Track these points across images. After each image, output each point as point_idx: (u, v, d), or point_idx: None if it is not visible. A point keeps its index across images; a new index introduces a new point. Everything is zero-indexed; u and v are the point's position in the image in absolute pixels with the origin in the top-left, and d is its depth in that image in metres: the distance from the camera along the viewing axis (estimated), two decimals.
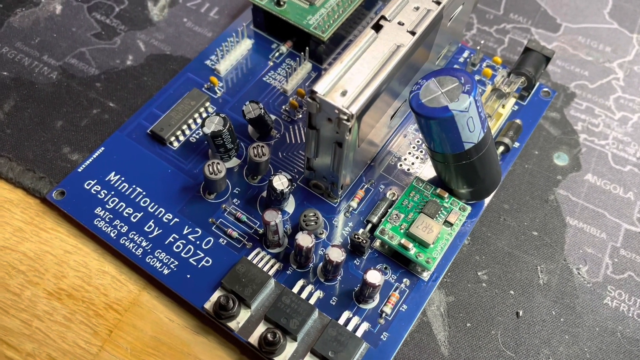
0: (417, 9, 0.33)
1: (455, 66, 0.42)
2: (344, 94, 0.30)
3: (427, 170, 0.38)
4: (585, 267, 0.36)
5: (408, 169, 0.38)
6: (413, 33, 0.32)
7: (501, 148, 0.38)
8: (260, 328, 0.32)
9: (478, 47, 0.42)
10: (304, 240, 0.32)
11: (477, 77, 0.42)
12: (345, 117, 0.29)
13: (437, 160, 0.34)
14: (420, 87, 0.31)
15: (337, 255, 0.32)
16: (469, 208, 0.35)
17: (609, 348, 0.33)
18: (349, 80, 0.30)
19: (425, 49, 0.36)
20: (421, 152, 0.38)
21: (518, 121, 0.39)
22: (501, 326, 0.34)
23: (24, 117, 0.39)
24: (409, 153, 0.38)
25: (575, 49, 0.45)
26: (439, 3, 0.33)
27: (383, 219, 0.34)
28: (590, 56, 0.45)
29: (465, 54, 0.43)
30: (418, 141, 0.39)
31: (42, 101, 0.40)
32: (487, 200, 0.37)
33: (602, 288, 0.35)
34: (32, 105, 0.40)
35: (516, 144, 0.39)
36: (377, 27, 0.32)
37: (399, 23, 0.32)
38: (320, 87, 0.30)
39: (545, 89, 0.42)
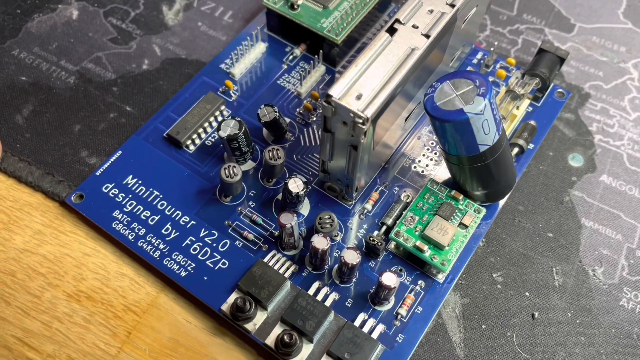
0: (431, 11, 0.33)
1: (469, 68, 0.42)
2: (359, 97, 0.30)
3: (441, 172, 0.38)
4: (601, 268, 0.36)
5: (422, 171, 0.38)
6: (427, 36, 0.32)
7: (515, 149, 0.38)
8: (277, 330, 0.32)
9: (492, 49, 0.42)
10: (320, 242, 0.32)
11: (491, 79, 0.42)
12: (361, 121, 0.30)
13: (451, 163, 0.34)
14: (435, 90, 0.31)
15: (352, 257, 0.32)
16: (483, 210, 0.35)
17: (625, 350, 0.33)
18: (364, 84, 0.30)
19: (439, 51, 0.36)
20: (435, 154, 0.39)
21: (532, 122, 0.39)
22: (517, 328, 0.34)
23: (42, 122, 0.40)
24: (423, 155, 0.39)
25: (590, 49, 0.45)
26: (453, 6, 0.33)
27: (398, 221, 0.34)
28: (604, 56, 0.45)
29: (479, 56, 0.43)
30: (432, 143, 0.39)
31: (60, 106, 0.41)
32: (502, 202, 0.37)
33: (618, 289, 0.35)
34: (50, 110, 0.40)
35: (531, 146, 0.39)
36: (392, 31, 0.32)
37: (413, 26, 0.32)
38: (336, 91, 0.30)
39: (560, 90, 0.42)
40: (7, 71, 0.42)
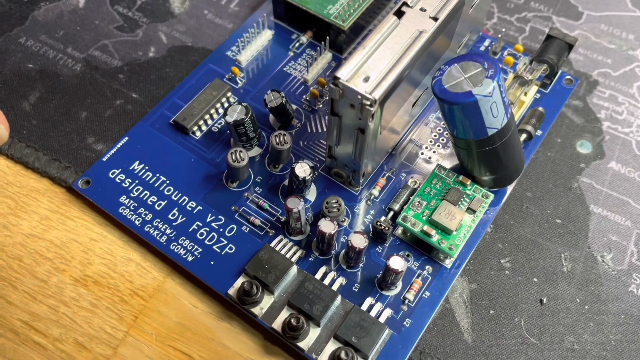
0: None
1: None
2: (366, 79, 0.30)
3: (448, 159, 0.38)
4: (609, 254, 0.36)
5: (429, 158, 0.38)
6: (435, 19, 0.32)
7: (524, 135, 0.38)
8: (284, 314, 0.32)
9: (499, 36, 0.41)
10: (327, 226, 0.32)
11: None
12: (368, 103, 0.29)
13: (459, 147, 0.33)
14: (443, 73, 0.31)
15: (359, 241, 0.32)
16: (491, 195, 0.35)
17: (635, 335, 0.33)
18: (371, 66, 0.30)
19: (446, 37, 0.36)
20: (443, 140, 0.38)
21: (540, 109, 0.39)
22: (525, 313, 0.34)
23: (49, 109, 0.40)
24: (430, 141, 0.38)
25: (598, 37, 0.45)
26: None
27: (405, 207, 0.34)
28: (613, 44, 0.44)
29: (486, 43, 0.43)
30: (439, 129, 0.39)
31: (66, 92, 0.41)
32: (509, 188, 0.37)
33: (627, 275, 0.35)
34: (57, 97, 0.40)
35: (539, 132, 0.39)
36: (399, 14, 0.32)
37: (421, 9, 0.32)
38: (343, 73, 0.30)
39: (568, 77, 0.41)
40: (14, 59, 0.42)
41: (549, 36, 0.40)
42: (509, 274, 0.35)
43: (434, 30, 0.31)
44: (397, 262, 0.31)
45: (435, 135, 0.39)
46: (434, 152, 0.38)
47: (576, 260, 0.35)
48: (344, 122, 0.32)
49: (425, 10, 0.32)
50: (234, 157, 0.35)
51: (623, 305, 0.34)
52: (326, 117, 0.39)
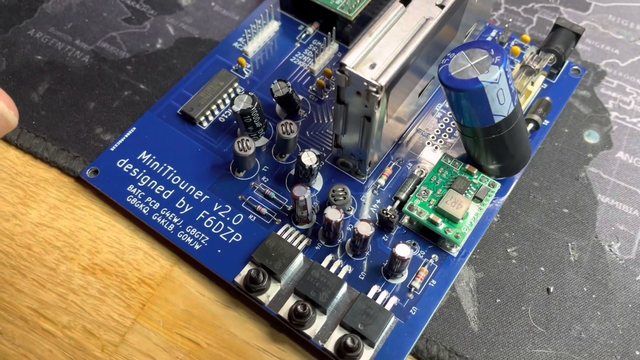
0: None
1: None
2: (372, 66, 0.30)
3: (455, 149, 0.38)
4: (617, 244, 0.35)
5: (436, 147, 0.38)
6: (442, 6, 0.32)
7: (530, 125, 0.38)
8: (290, 301, 0.32)
9: (506, 25, 0.41)
10: (333, 214, 0.32)
11: None
12: (375, 89, 0.29)
13: (466, 135, 0.33)
14: (450, 60, 0.31)
15: (365, 229, 0.32)
16: (498, 184, 0.35)
17: None
18: (377, 54, 0.30)
19: (452, 27, 0.36)
20: (449, 130, 0.38)
21: (547, 98, 0.39)
22: (531, 302, 0.34)
23: (57, 100, 0.40)
24: (437, 131, 0.38)
25: (606, 27, 0.45)
26: None
27: (411, 195, 0.34)
28: (620, 34, 0.44)
29: (493, 33, 0.43)
30: (446, 119, 0.39)
31: (75, 84, 0.41)
32: (516, 178, 0.37)
33: (635, 265, 0.35)
34: (65, 88, 0.41)
35: (546, 122, 0.39)
36: (406, 1, 0.32)
37: None
38: (350, 60, 0.30)
39: (575, 67, 0.41)
40: (23, 50, 0.42)
41: (556, 26, 0.40)
42: (516, 262, 0.35)
43: (441, 18, 0.31)
44: (403, 250, 0.31)
45: (441, 125, 0.39)
46: (441, 141, 0.38)
47: (583, 250, 0.35)
48: (350, 110, 0.32)
49: None
50: (240, 146, 0.35)
51: (630, 294, 0.34)
52: (332, 108, 0.39)
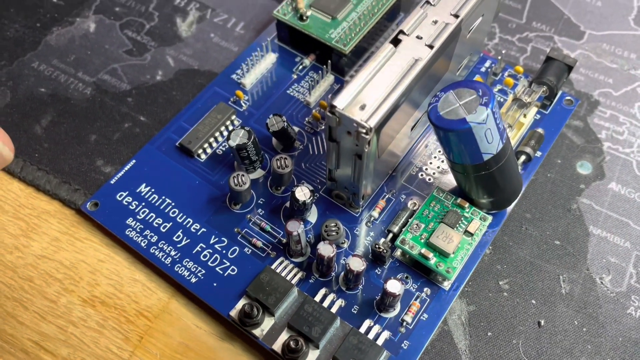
0: (436, 22, 0.33)
1: (477, 76, 0.43)
2: (362, 107, 0.31)
3: (448, 180, 0.38)
4: (608, 276, 0.36)
5: (429, 179, 0.38)
6: (431, 47, 0.32)
7: (523, 157, 0.38)
8: (284, 335, 0.33)
9: (499, 57, 0.42)
10: (325, 250, 0.33)
11: (498, 87, 0.42)
12: (364, 131, 0.30)
13: (457, 171, 0.34)
14: (439, 100, 0.31)
15: (357, 264, 0.33)
16: (489, 218, 0.35)
17: (633, 358, 0.33)
18: (367, 94, 0.31)
19: (445, 59, 0.36)
20: (442, 161, 0.39)
21: (540, 130, 0.39)
22: (522, 335, 0.34)
23: (60, 132, 0.41)
24: (430, 163, 0.39)
25: (600, 56, 0.45)
26: (457, 16, 0.34)
27: (404, 229, 0.35)
28: (614, 63, 0.45)
29: (487, 64, 0.43)
30: (439, 151, 0.39)
31: (77, 116, 0.42)
32: (509, 209, 0.38)
33: (625, 298, 0.35)
34: (67, 120, 0.42)
35: (538, 153, 0.39)
36: (396, 42, 0.33)
37: (417, 37, 0.33)
38: (340, 102, 0.31)
39: (568, 98, 0.42)
40: (27, 83, 0.44)
41: (548, 58, 0.41)
42: (507, 295, 0.35)
43: (430, 58, 0.32)
44: (394, 286, 0.32)
45: (435, 157, 0.39)
46: (434, 173, 0.38)
47: (575, 282, 0.36)
48: (342, 147, 0.33)
49: (421, 38, 0.33)
50: (236, 181, 0.35)
51: (621, 327, 0.34)
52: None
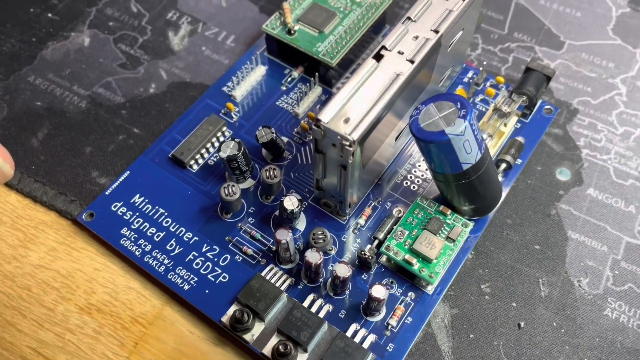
0: (416, 38, 0.35)
1: (460, 87, 0.44)
2: (346, 121, 0.32)
3: (432, 188, 0.40)
4: (586, 279, 0.37)
5: (414, 187, 0.40)
6: (412, 61, 0.34)
7: (503, 165, 0.40)
8: (274, 340, 0.34)
9: (480, 68, 0.43)
10: (313, 257, 0.34)
11: (481, 97, 0.43)
12: (348, 143, 0.31)
13: (439, 180, 0.35)
14: (420, 112, 0.33)
15: (344, 271, 0.34)
16: (471, 224, 0.37)
17: (609, 358, 0.35)
18: (351, 108, 0.32)
19: (428, 71, 0.38)
20: (426, 170, 0.40)
21: (520, 139, 0.41)
22: (503, 337, 0.35)
23: (56, 144, 0.43)
24: (415, 171, 0.40)
25: (579, 65, 0.47)
26: (437, 32, 0.35)
27: (389, 236, 0.36)
28: (593, 72, 0.46)
29: (470, 74, 0.45)
30: (423, 160, 0.41)
31: (72, 129, 0.43)
32: (490, 216, 0.39)
33: (602, 300, 0.36)
34: (63, 133, 0.43)
35: (518, 161, 0.41)
36: (378, 57, 0.34)
37: (399, 52, 0.34)
38: (325, 116, 0.32)
39: (548, 107, 0.43)
40: (23, 97, 0.45)
41: (528, 68, 0.42)
42: (489, 299, 0.37)
43: (411, 73, 0.34)
44: (379, 291, 0.33)
45: (419, 165, 0.41)
46: (418, 181, 0.40)
47: (553, 285, 0.37)
48: (328, 158, 0.34)
49: (402, 53, 0.34)
50: (226, 191, 0.37)
51: (598, 328, 0.36)
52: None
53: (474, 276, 0.37)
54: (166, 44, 0.48)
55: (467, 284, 0.37)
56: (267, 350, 0.34)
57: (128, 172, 0.41)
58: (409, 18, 0.36)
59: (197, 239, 0.38)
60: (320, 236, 0.36)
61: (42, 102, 0.45)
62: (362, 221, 0.38)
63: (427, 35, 0.35)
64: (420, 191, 0.39)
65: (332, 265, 0.37)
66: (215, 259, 0.37)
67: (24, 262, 0.38)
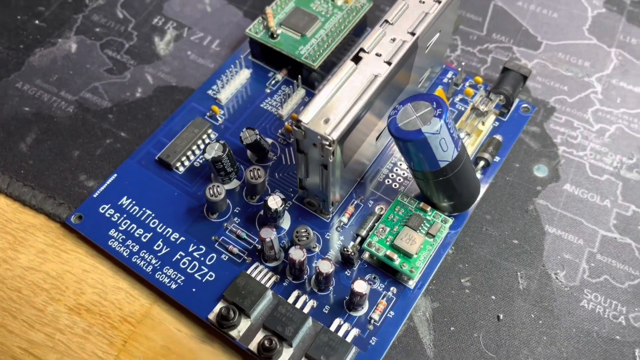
0: (394, 40, 0.36)
1: (440, 87, 0.45)
2: (326, 121, 0.33)
3: (413, 186, 0.41)
4: (563, 272, 0.38)
5: (395, 185, 0.41)
6: (389, 63, 0.35)
7: (482, 163, 0.41)
8: (259, 336, 0.35)
9: (459, 68, 0.45)
10: (296, 254, 0.35)
11: (460, 97, 0.45)
12: (328, 143, 0.32)
13: (418, 178, 0.37)
14: (397, 112, 0.34)
15: (326, 267, 0.35)
16: (450, 220, 0.38)
17: (585, 347, 0.36)
18: (330, 109, 0.33)
19: (406, 72, 0.39)
20: (407, 169, 0.41)
21: (498, 137, 0.42)
22: (483, 329, 0.36)
23: (44, 149, 0.43)
24: (396, 170, 0.41)
25: (556, 65, 0.48)
26: (413, 34, 0.36)
27: (370, 233, 0.37)
28: (569, 71, 0.48)
29: (449, 75, 0.46)
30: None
31: (60, 133, 0.44)
32: (469, 212, 0.40)
33: (579, 291, 0.38)
34: (51, 138, 0.44)
35: (497, 159, 0.42)
36: (357, 59, 0.35)
37: (377, 54, 0.35)
38: (305, 117, 0.33)
39: (525, 105, 0.44)
40: (11, 103, 0.46)
41: (505, 68, 0.43)
42: (469, 292, 0.38)
43: (388, 74, 0.35)
44: (360, 286, 0.34)
45: (400, 164, 0.42)
46: (400, 180, 0.41)
47: (531, 278, 0.38)
48: (310, 157, 0.35)
49: (380, 55, 0.35)
50: (212, 192, 0.38)
51: (575, 319, 0.37)
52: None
53: (454, 271, 0.38)
54: (152, 49, 0.49)
55: (447, 279, 0.38)
56: (253, 345, 0.34)
57: (115, 175, 0.42)
58: (386, 21, 0.37)
59: (183, 239, 0.39)
60: (304, 234, 0.37)
61: (30, 108, 0.45)
62: (345, 219, 0.39)
63: (404, 38, 0.36)
64: (402, 189, 0.40)
65: (316, 262, 0.38)
66: (202, 258, 0.38)
67: (14, 264, 0.39)
